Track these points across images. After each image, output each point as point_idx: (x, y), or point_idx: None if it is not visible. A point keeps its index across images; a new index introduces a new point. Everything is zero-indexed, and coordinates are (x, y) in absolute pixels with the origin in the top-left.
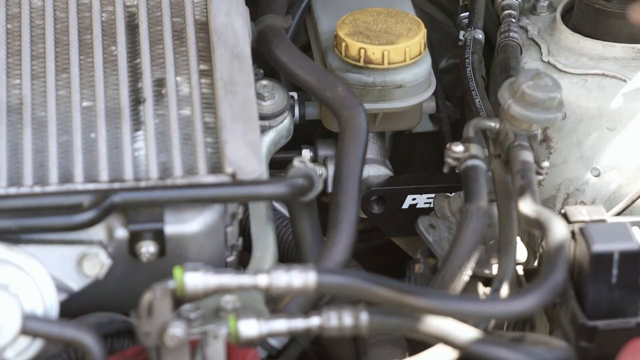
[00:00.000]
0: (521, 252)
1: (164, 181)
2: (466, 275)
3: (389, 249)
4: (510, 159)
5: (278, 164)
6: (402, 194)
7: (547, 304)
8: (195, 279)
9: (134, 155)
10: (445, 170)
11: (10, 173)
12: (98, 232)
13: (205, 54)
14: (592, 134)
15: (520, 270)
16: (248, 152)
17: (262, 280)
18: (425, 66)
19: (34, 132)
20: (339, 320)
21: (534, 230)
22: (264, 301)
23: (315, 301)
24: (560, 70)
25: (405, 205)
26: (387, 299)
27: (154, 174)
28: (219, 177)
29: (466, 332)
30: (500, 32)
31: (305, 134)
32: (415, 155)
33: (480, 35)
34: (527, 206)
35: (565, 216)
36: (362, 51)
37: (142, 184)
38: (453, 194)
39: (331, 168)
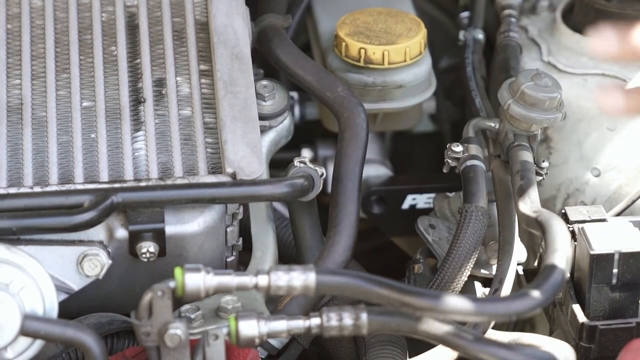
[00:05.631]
0: (521, 252)
1: (164, 181)
2: (465, 275)
3: (389, 249)
4: (509, 159)
5: (278, 164)
6: (402, 194)
7: (548, 304)
8: (195, 279)
9: (134, 155)
10: (445, 170)
11: (10, 173)
12: (98, 232)
13: (205, 54)
14: (592, 134)
15: (520, 270)
16: (248, 152)
17: (263, 280)
18: (425, 66)
19: (34, 132)
20: (339, 320)
21: (534, 231)
22: (264, 301)
23: (316, 301)
24: (560, 70)
25: (405, 206)
26: (388, 299)
27: (154, 174)
28: (219, 177)
29: (466, 333)
30: (500, 32)
31: (305, 134)
32: (415, 155)
33: (480, 35)
34: (526, 206)
35: (565, 216)
36: (362, 51)
37: (142, 184)
38: (453, 194)
39: (331, 168)
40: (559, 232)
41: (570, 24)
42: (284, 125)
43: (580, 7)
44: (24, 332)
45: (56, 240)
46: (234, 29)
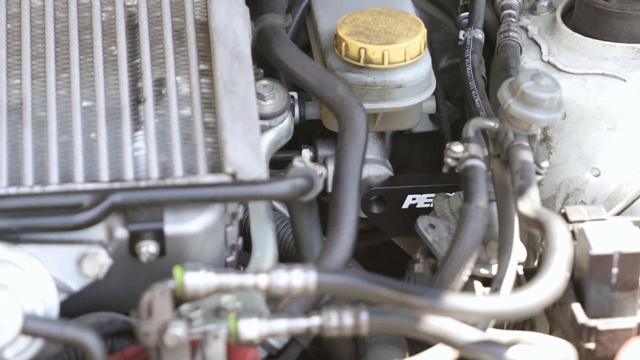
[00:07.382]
0: (521, 252)
1: (164, 181)
2: (465, 275)
3: (389, 249)
4: (509, 158)
5: (278, 164)
6: (402, 194)
7: (548, 304)
8: (195, 279)
9: (134, 155)
10: (445, 170)
11: (10, 173)
12: (98, 232)
13: (205, 53)
14: (592, 134)
15: (520, 270)
16: (248, 152)
17: (263, 280)
18: (425, 66)
19: (34, 132)
20: (339, 320)
21: (534, 230)
22: (264, 301)
23: (316, 301)
24: (560, 70)
25: (405, 205)
26: (387, 299)
27: (154, 174)
28: (219, 177)
29: (466, 332)
30: (500, 32)
31: (305, 134)
32: (415, 155)
33: (480, 35)
34: (526, 206)
35: (565, 216)
36: (362, 51)
37: (142, 183)
38: (453, 194)
39: (331, 168)
40: (559, 232)
41: (570, 23)
42: (284, 125)
43: (580, 7)
44: (24, 331)
45: (56, 240)
46: (233, 28)
